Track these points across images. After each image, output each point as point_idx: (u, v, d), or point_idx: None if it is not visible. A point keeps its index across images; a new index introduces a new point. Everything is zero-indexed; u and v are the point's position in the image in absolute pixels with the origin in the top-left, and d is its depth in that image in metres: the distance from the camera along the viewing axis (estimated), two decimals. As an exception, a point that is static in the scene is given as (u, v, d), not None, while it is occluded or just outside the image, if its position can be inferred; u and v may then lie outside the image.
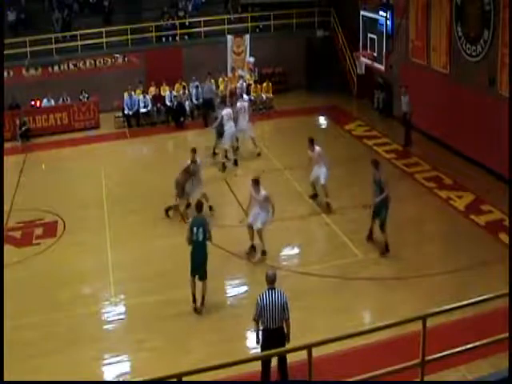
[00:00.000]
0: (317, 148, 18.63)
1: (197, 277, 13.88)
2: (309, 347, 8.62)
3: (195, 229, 13.65)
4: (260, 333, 10.99)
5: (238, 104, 23.16)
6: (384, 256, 15.87)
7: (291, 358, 10.57)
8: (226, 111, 22.61)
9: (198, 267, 13.82)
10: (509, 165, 16.39)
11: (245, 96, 24.34)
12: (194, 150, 18.44)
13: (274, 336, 10.72)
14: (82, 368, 11.70)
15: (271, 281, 10.89)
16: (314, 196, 19.30)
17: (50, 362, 12.46)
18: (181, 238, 17.24)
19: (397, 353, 10.50)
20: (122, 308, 14.62)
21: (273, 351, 10.49)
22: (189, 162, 18.24)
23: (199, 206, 14.27)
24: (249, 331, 13.40)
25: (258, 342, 11.08)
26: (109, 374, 12.40)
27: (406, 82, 24.80)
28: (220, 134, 22.74)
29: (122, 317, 14.34)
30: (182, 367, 10.02)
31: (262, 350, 10.84)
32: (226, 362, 8.49)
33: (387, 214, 15.85)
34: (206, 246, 13.93)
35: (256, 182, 15.93)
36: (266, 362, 10.66)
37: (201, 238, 13.67)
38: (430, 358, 8.26)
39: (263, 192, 15.82)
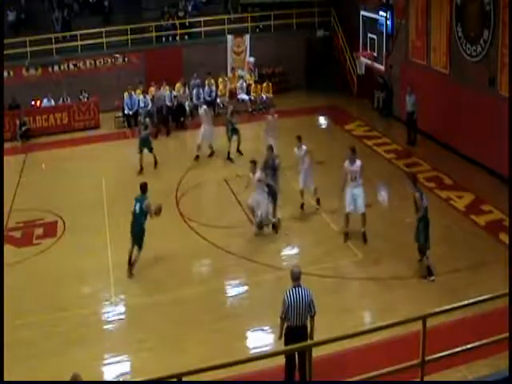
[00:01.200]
0: (304, 147, 18.47)
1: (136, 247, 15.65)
2: (309, 347, 8.64)
3: (136, 204, 15.69)
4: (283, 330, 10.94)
5: (201, 110, 23.43)
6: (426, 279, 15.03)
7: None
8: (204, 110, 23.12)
9: (135, 237, 15.66)
10: (509, 164, 16.41)
11: (204, 107, 24.40)
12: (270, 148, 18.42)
13: (299, 334, 10.67)
14: (82, 368, 11.57)
15: (296, 278, 10.90)
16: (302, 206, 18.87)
17: (50, 361, 12.47)
18: (181, 238, 17.40)
19: (397, 353, 10.51)
20: (122, 308, 14.63)
21: (278, 350, 10.52)
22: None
23: (143, 187, 16.03)
24: (249, 331, 13.47)
25: (279, 339, 11.05)
26: (109, 373, 12.42)
27: (406, 82, 24.82)
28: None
29: (122, 317, 14.36)
30: (182, 367, 10.10)
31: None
32: (226, 362, 8.50)
33: (427, 236, 14.92)
34: (142, 221, 15.55)
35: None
36: (290, 360, 10.70)
37: (138, 211, 15.57)
38: (430, 358, 8.27)
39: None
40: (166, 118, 27.68)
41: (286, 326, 10.87)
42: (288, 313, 10.70)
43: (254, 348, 12.92)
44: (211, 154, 23.91)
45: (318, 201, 18.80)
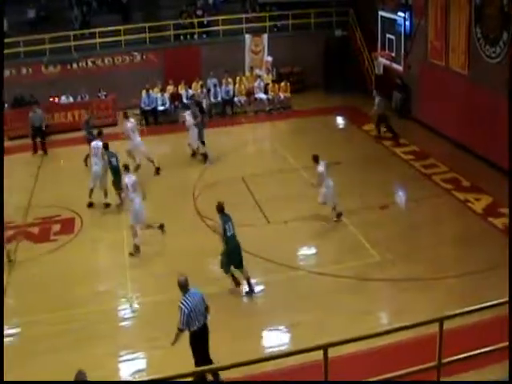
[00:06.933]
0: (318, 167, 17.83)
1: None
2: (325, 348, 8.61)
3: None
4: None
5: (129, 124, 22.89)
6: None
7: (307, 358, 10.58)
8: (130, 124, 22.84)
9: None
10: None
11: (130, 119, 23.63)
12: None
13: (205, 332, 11.31)
14: (96, 364, 11.73)
15: (184, 285, 11.21)
16: (339, 215, 18.32)
17: (65, 357, 12.51)
18: (197, 236, 17.41)
19: (412, 355, 10.46)
20: (137, 306, 14.66)
21: (284, 352, 10.51)
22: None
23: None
24: (263, 330, 13.46)
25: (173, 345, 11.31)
26: (124, 371, 12.50)
27: (425, 83, 24.69)
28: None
29: (136, 314, 14.41)
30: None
31: None
32: (240, 362, 8.49)
33: None
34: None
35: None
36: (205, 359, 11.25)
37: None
38: (446, 360, 8.24)
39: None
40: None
41: (192, 331, 11.11)
42: (190, 320, 10.98)
43: (267, 347, 12.96)
44: (193, 154, 23.97)
45: (338, 215, 18.20)
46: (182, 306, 10.95)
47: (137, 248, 16.69)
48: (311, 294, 14.60)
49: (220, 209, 14.69)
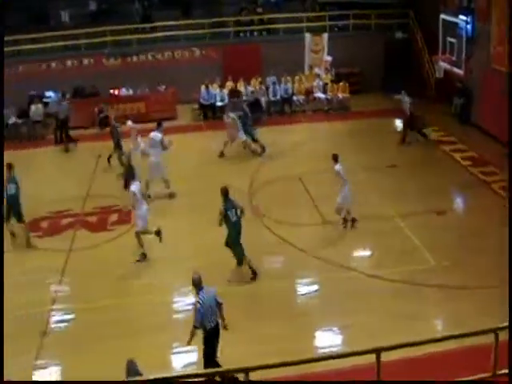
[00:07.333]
0: (336, 166, 17.39)
1: None
2: (378, 351, 8.61)
3: None
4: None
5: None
6: None
7: (355, 360, 10.52)
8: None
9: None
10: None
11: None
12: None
13: (217, 330, 11.36)
14: (148, 355, 11.80)
15: (198, 283, 11.36)
16: (353, 220, 17.96)
17: (116, 346, 12.71)
18: (253, 233, 17.42)
19: (463, 364, 10.36)
20: (192, 298, 14.65)
21: (337, 353, 10.51)
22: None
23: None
24: (319, 331, 13.43)
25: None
26: (174, 363, 12.63)
27: (487, 89, 24.29)
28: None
29: (190, 307, 14.41)
30: (249, 361, 10.17)
31: None
32: (294, 360, 8.54)
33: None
34: None
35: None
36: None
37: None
38: (501, 372, 8.14)
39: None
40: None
41: (206, 329, 11.15)
42: (204, 318, 11.06)
43: (320, 348, 12.95)
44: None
45: (353, 220, 17.87)
46: (197, 303, 11.12)
47: (144, 256, 16.66)
48: (363, 295, 14.54)
49: (225, 193, 14.90)
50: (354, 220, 17.78)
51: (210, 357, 11.26)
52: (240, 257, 15.24)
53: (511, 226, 15.83)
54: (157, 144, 20.13)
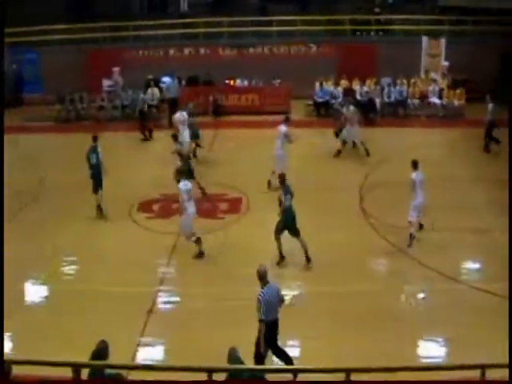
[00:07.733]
0: (412, 173, 16.47)
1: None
2: (482, 367, 8.36)
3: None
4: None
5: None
6: None
7: (457, 374, 10.04)
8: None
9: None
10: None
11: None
12: None
13: (276, 325, 11.33)
14: (249, 344, 11.62)
15: (263, 276, 11.28)
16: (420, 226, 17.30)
17: (218, 334, 12.61)
18: (358, 234, 17.14)
19: None
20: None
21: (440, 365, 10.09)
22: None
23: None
24: (416, 339, 13.06)
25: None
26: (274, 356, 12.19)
27: None
28: None
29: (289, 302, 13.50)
30: (350, 362, 10.04)
31: None
32: (391, 367, 8.35)
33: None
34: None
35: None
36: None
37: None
38: None
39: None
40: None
41: (266, 322, 11.06)
42: (266, 311, 11.00)
43: (421, 357, 12.60)
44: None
45: (420, 226, 17.24)
46: (259, 297, 11.07)
47: (201, 253, 16.34)
48: (468, 309, 13.89)
49: (282, 180, 15.77)
50: (421, 226, 17.20)
51: (260, 353, 11.17)
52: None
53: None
54: (281, 136, 20.14)
